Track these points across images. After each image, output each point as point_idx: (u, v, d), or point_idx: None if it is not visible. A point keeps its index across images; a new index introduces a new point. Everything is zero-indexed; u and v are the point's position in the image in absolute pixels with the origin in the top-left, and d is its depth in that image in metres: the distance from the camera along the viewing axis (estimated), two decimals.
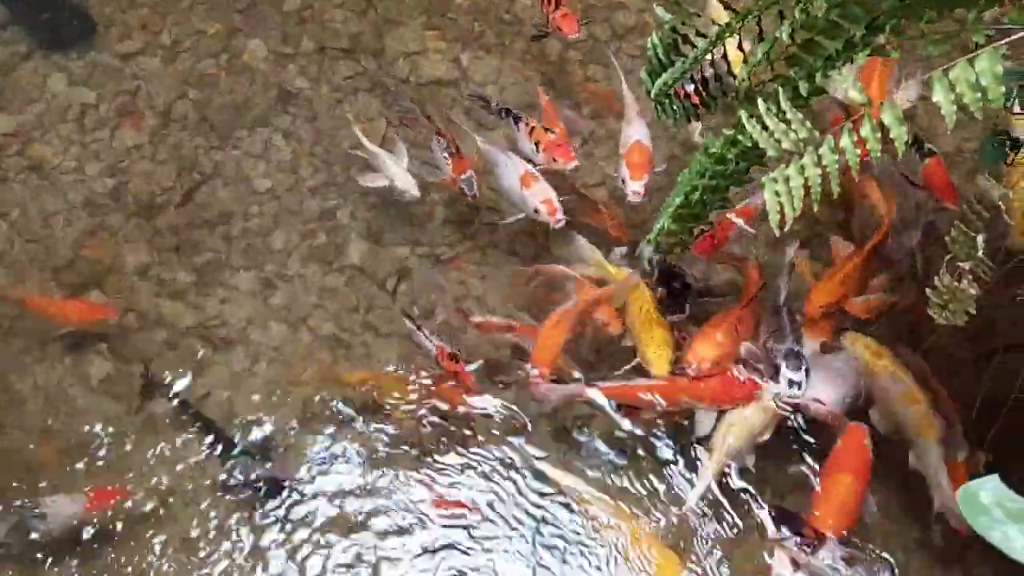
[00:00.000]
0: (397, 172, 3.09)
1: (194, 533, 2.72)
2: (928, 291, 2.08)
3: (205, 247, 3.19)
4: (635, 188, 2.89)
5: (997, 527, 1.02)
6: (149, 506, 2.75)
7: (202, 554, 2.69)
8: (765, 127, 1.90)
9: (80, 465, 2.81)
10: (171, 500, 2.76)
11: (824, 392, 2.64)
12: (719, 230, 2.80)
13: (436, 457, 2.80)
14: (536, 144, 3.00)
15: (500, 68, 3.51)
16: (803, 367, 2.64)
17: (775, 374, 2.66)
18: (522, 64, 3.49)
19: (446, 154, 3.01)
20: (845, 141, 1.78)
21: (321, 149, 3.37)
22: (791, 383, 2.63)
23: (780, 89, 1.90)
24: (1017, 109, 1.97)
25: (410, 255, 3.19)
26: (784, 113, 1.87)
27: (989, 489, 1.07)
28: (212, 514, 2.74)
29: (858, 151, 1.77)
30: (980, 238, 1.86)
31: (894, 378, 2.57)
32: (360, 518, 2.72)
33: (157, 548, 2.70)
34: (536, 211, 2.91)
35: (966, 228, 1.90)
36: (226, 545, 2.70)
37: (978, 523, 1.02)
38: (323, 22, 3.59)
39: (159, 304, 3.09)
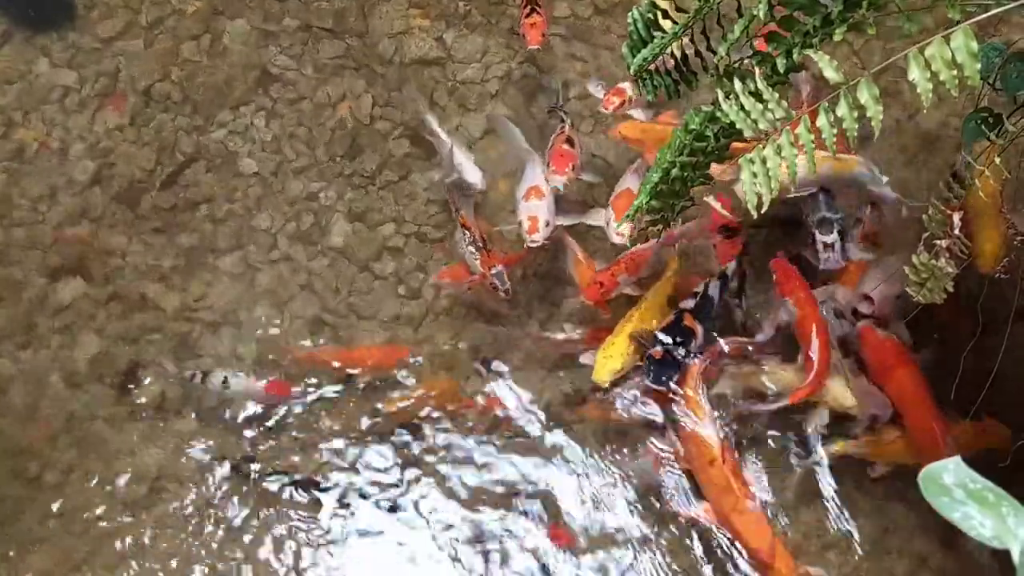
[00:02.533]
0: (466, 163, 3.07)
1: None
2: (906, 269, 2.08)
3: (189, 229, 3.18)
4: (619, 230, 2.83)
5: (958, 507, 1.02)
6: None
7: None
8: (742, 106, 1.89)
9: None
10: None
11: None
12: (608, 279, 2.81)
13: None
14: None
15: (485, 46, 3.48)
16: (835, 230, 2.69)
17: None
18: (507, 42, 3.46)
19: (472, 248, 2.88)
20: (822, 121, 1.77)
21: (305, 130, 3.35)
22: (825, 247, 2.68)
23: (756, 68, 1.89)
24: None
25: (395, 234, 3.18)
26: (760, 93, 1.86)
27: (951, 470, 1.07)
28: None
29: (835, 131, 1.76)
30: (956, 216, 1.86)
31: None
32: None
33: None
34: (520, 223, 2.87)
35: (942, 206, 1.90)
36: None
37: (939, 503, 1.03)
38: (306, 0, 3.55)
39: (143, 288, 3.08)
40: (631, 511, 2.68)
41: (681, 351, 2.72)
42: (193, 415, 2.89)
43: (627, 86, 3.00)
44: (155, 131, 3.33)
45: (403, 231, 3.18)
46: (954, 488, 1.05)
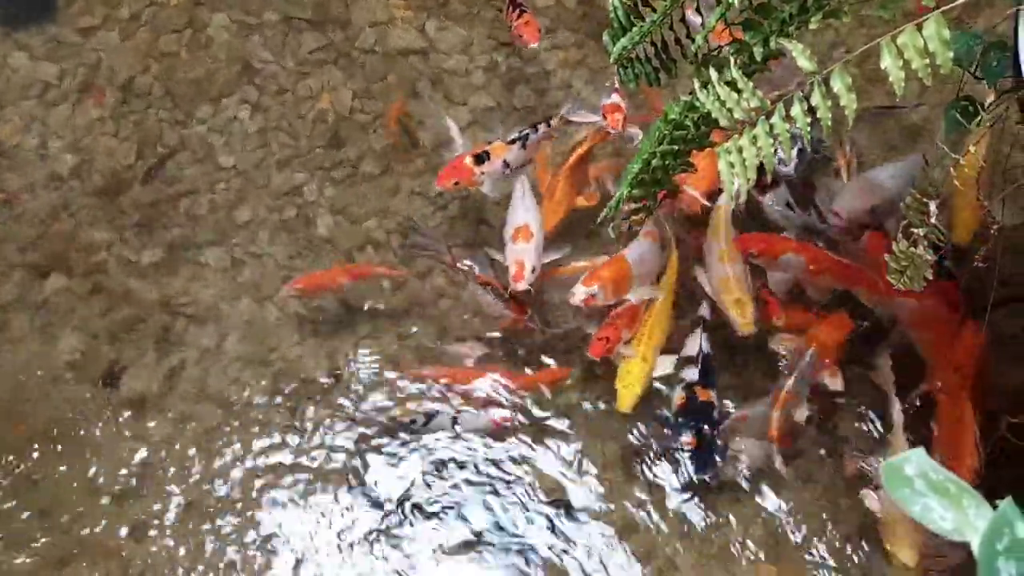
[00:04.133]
0: (490, 184, 2.96)
1: None
2: (887, 257, 2.08)
3: (171, 223, 3.17)
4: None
5: (919, 499, 1.02)
6: None
7: None
8: (718, 96, 1.89)
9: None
10: None
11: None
12: (613, 333, 2.73)
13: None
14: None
15: (468, 37, 3.47)
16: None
17: None
18: (490, 32, 3.45)
19: (498, 300, 2.82)
20: (796, 110, 1.77)
21: (287, 123, 3.33)
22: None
23: (731, 57, 1.88)
24: None
25: (377, 228, 3.17)
26: (735, 82, 1.85)
27: (913, 462, 1.07)
28: None
29: (808, 120, 1.75)
30: (933, 205, 1.85)
31: None
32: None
33: None
34: (507, 266, 2.78)
35: (919, 195, 1.89)
36: None
37: (900, 495, 1.02)
38: None
39: (126, 282, 3.07)
40: None
41: (710, 429, 2.62)
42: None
43: (617, 98, 2.93)
44: (136, 125, 3.31)
45: (385, 225, 3.17)
46: (916, 479, 1.05)
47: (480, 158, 2.83)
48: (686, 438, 2.59)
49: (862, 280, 2.68)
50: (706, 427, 2.60)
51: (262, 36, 3.45)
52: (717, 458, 2.60)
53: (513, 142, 2.88)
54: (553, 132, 2.97)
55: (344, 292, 2.96)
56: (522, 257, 2.75)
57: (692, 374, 2.71)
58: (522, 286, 2.73)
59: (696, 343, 2.76)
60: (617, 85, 3.00)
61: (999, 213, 2.04)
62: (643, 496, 2.66)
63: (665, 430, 2.69)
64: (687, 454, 2.59)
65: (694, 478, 2.59)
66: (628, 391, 2.70)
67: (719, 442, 2.62)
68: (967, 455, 2.38)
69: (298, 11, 3.50)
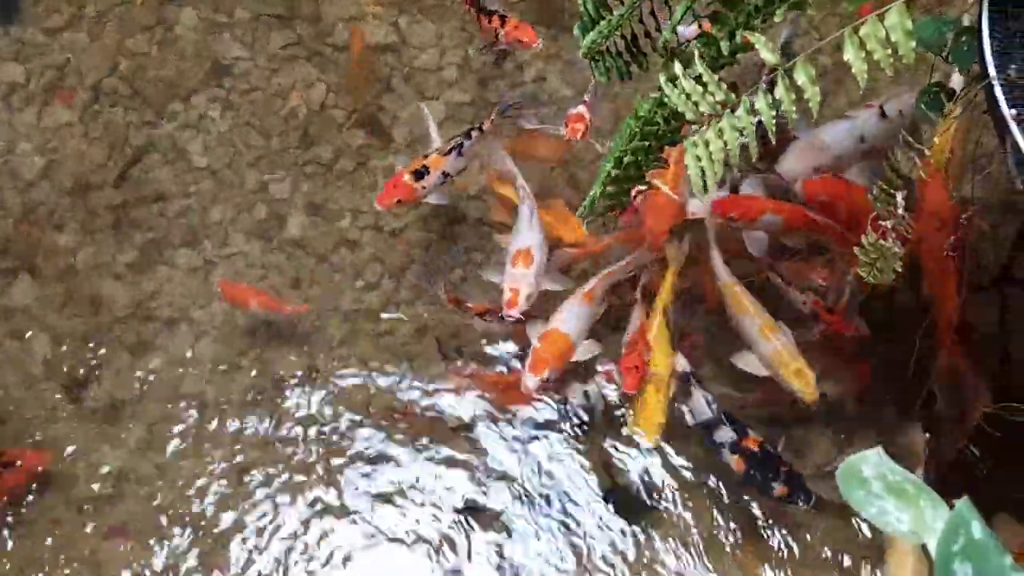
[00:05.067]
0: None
1: None
2: (856, 250, 2.07)
3: (143, 225, 3.13)
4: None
5: (874, 501, 1.00)
6: None
7: None
8: (684, 90, 1.87)
9: None
10: None
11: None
12: (641, 362, 2.65)
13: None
14: None
15: (440, 32, 3.44)
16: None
17: None
18: (462, 26, 3.42)
19: (499, 323, 2.78)
20: (761, 103, 1.75)
21: (258, 121, 3.30)
22: None
23: (696, 51, 1.87)
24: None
25: (351, 226, 3.14)
26: (701, 76, 1.84)
27: (871, 462, 1.05)
28: None
29: (773, 112, 1.74)
30: (899, 196, 1.84)
31: None
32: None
33: None
34: (502, 292, 2.71)
35: (886, 186, 1.88)
36: None
37: (855, 497, 1.01)
38: None
39: (97, 286, 3.04)
40: None
41: (780, 464, 2.56)
42: None
43: (583, 109, 2.90)
44: (105, 126, 3.27)
45: (360, 223, 3.14)
46: (873, 481, 1.03)
47: (419, 173, 2.79)
48: (778, 490, 2.52)
49: (832, 233, 2.64)
50: (780, 467, 2.54)
51: (232, 34, 3.41)
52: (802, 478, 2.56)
53: (449, 152, 2.85)
54: (486, 136, 2.94)
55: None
56: (519, 284, 2.67)
57: (726, 434, 2.58)
58: (515, 313, 2.66)
59: (702, 404, 2.64)
60: (586, 97, 3.04)
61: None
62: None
63: (744, 496, 2.63)
64: (787, 501, 2.53)
65: (803, 507, 2.54)
66: (652, 419, 2.63)
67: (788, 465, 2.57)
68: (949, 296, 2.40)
69: (268, 8, 3.46)
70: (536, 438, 2.78)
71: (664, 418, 2.64)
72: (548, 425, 2.79)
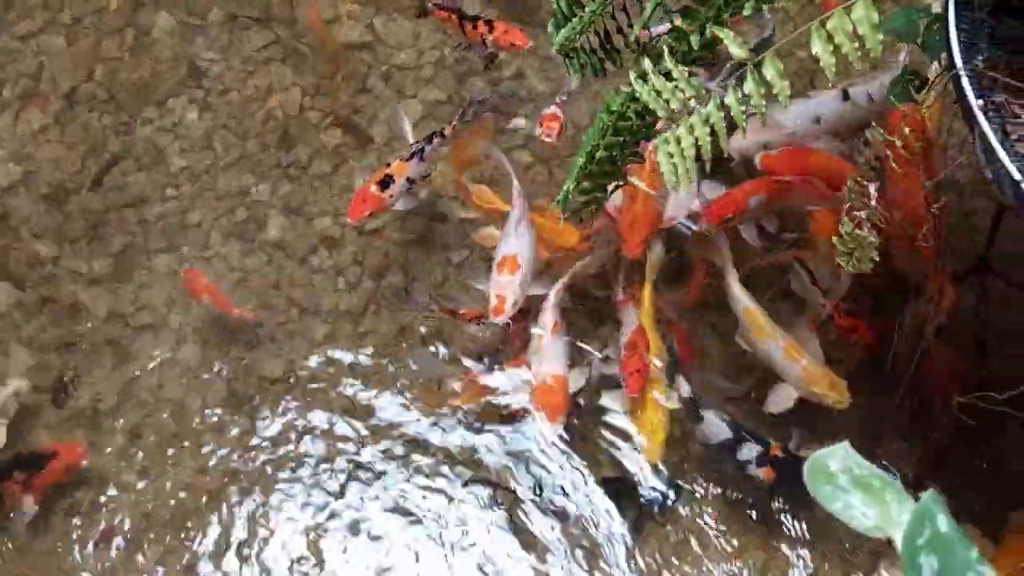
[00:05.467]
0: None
1: None
2: (834, 241, 2.08)
3: (121, 231, 3.12)
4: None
5: (840, 496, 1.01)
6: None
7: None
8: (654, 86, 1.87)
9: None
10: None
11: None
12: (642, 364, 2.61)
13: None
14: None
15: (416, 31, 3.43)
16: None
17: None
18: (438, 26, 3.40)
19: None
20: (730, 99, 1.75)
21: (235, 123, 3.29)
22: None
23: (666, 46, 1.86)
24: None
25: (332, 226, 3.13)
26: (670, 72, 1.84)
27: (839, 456, 1.05)
28: None
29: (743, 108, 1.74)
30: (872, 187, 1.85)
31: None
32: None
33: None
34: (487, 298, 2.69)
35: (859, 178, 1.88)
36: None
37: (821, 492, 1.01)
38: None
39: (76, 292, 3.02)
40: None
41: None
42: None
43: (555, 108, 2.90)
44: (81, 131, 3.25)
45: (339, 223, 3.13)
46: (839, 475, 1.04)
47: (384, 183, 2.79)
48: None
49: (810, 190, 2.64)
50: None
51: (207, 36, 3.40)
52: None
53: (411, 157, 2.85)
54: (449, 140, 2.94)
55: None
56: (504, 291, 2.64)
57: (752, 450, 2.53)
58: (501, 320, 2.64)
59: (718, 425, 2.58)
60: (559, 98, 3.04)
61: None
62: None
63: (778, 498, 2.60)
64: None
65: None
66: (655, 438, 2.61)
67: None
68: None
69: (243, 9, 3.45)
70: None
71: (665, 435, 2.60)
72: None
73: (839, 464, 1.05)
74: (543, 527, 2.64)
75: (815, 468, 1.05)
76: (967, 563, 0.96)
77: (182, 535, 2.69)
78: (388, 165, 2.85)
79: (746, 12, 1.86)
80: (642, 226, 2.70)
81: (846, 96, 2.72)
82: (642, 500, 2.63)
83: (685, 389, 2.64)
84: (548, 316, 2.74)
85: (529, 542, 2.62)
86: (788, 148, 2.68)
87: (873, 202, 1.81)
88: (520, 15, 3.34)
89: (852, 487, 1.02)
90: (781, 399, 2.57)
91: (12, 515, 2.67)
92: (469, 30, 3.07)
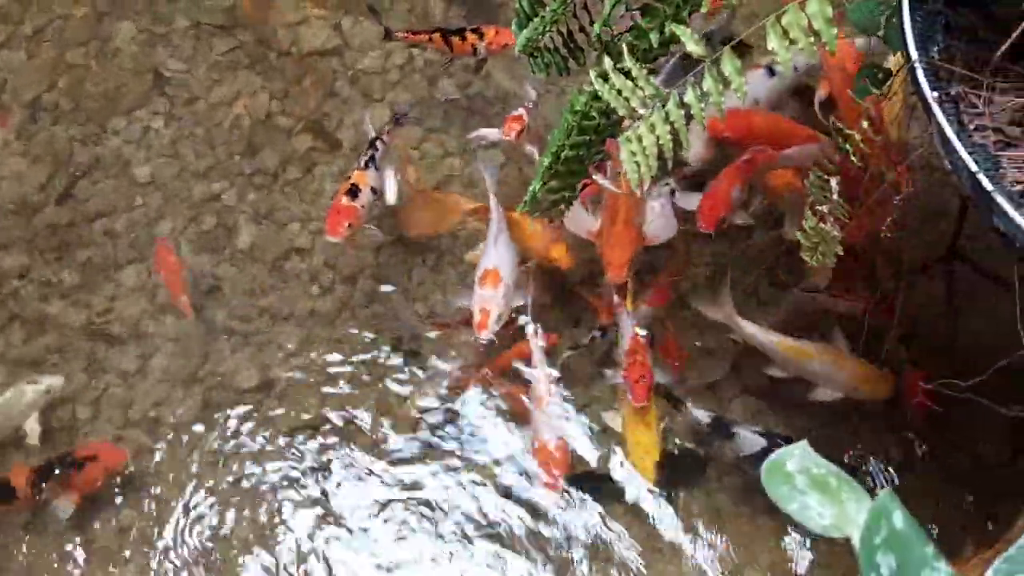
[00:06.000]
0: (390, 183, 2.95)
1: None
2: (799, 235, 2.08)
3: (89, 243, 3.09)
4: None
5: (797, 497, 1.00)
6: None
7: None
8: (614, 85, 1.87)
9: None
10: None
11: None
12: (647, 371, 2.60)
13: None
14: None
15: (383, 33, 3.41)
16: None
17: None
18: (407, 26, 3.39)
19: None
20: (690, 96, 1.75)
21: (203, 131, 3.26)
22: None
23: (625, 45, 1.86)
24: None
25: (301, 232, 3.12)
26: (630, 71, 1.83)
27: (797, 456, 1.05)
28: None
29: (703, 105, 1.74)
30: (834, 181, 1.85)
31: None
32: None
33: None
34: (471, 313, 2.68)
35: (820, 172, 1.89)
36: None
37: (778, 494, 1.00)
38: None
39: (44, 307, 2.99)
40: None
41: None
42: None
43: (522, 111, 2.91)
44: (46, 144, 3.22)
45: (310, 229, 3.12)
46: (797, 475, 1.03)
47: (353, 192, 2.79)
48: None
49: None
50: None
51: (171, 44, 3.37)
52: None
53: (366, 166, 2.86)
54: (389, 144, 2.96)
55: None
56: (488, 304, 2.62)
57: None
58: (486, 335, 2.62)
59: (751, 438, 2.57)
60: (527, 103, 3.04)
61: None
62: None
63: None
64: None
65: None
66: (647, 460, 2.59)
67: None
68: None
69: (208, 16, 3.43)
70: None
71: (659, 455, 2.58)
72: None
73: (797, 464, 1.05)
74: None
75: (772, 468, 1.04)
76: (923, 559, 0.96)
77: (159, 546, 2.67)
78: (348, 178, 2.86)
79: (703, 8, 1.86)
80: (624, 249, 2.65)
81: (772, 72, 2.78)
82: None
83: (703, 414, 2.61)
84: (542, 387, 2.66)
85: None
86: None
87: (835, 196, 1.81)
88: (486, 17, 3.33)
89: (810, 488, 1.02)
90: (824, 395, 2.60)
91: (50, 512, 2.66)
92: (457, 44, 3.06)
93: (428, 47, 3.16)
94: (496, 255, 2.72)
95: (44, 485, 2.64)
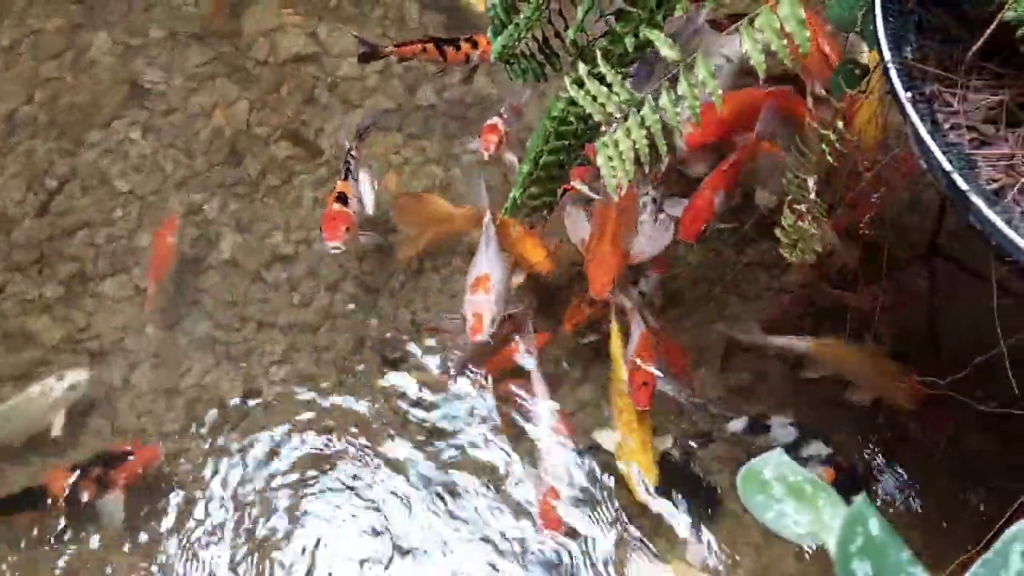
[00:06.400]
0: (368, 192, 2.98)
1: None
2: (777, 231, 2.08)
3: (69, 257, 3.07)
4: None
5: (773, 505, 1.00)
6: None
7: None
8: (588, 90, 1.86)
9: None
10: None
11: None
12: (650, 377, 2.60)
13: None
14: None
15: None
16: None
17: None
18: (384, 32, 3.39)
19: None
20: (664, 100, 1.75)
21: (182, 142, 3.25)
22: None
23: (599, 50, 1.86)
24: None
25: (284, 242, 3.11)
26: (604, 76, 1.83)
27: (773, 464, 1.05)
28: None
29: (677, 109, 1.74)
30: (811, 180, 1.85)
31: None
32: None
33: None
34: (465, 319, 2.69)
35: (796, 171, 1.89)
36: None
37: (754, 503, 1.00)
38: (171, 7, 3.44)
39: (25, 322, 2.97)
40: None
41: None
42: None
43: (498, 120, 2.91)
44: (23, 158, 3.20)
45: (292, 238, 3.11)
46: (774, 483, 1.03)
47: (342, 199, 2.81)
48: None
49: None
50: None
51: (147, 55, 3.36)
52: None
53: (345, 177, 2.89)
54: (359, 157, 2.98)
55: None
56: (480, 309, 2.65)
57: (818, 447, 2.55)
58: (481, 338, 2.64)
59: (785, 429, 2.58)
60: (503, 112, 3.04)
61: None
62: None
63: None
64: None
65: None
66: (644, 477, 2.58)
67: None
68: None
69: (183, 26, 3.41)
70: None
71: (654, 478, 2.57)
72: None
73: (773, 472, 1.05)
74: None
75: (748, 477, 1.04)
76: (899, 566, 0.96)
77: (143, 564, 2.66)
78: (333, 189, 2.88)
79: (678, 12, 1.86)
80: (609, 267, 2.65)
81: (727, 59, 2.78)
82: None
83: (737, 424, 2.60)
84: (555, 421, 2.66)
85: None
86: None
87: (812, 195, 1.81)
88: (460, 24, 3.33)
89: (786, 495, 1.02)
90: (859, 398, 2.60)
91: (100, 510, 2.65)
92: (451, 54, 3.06)
93: (420, 59, 3.15)
94: (487, 262, 2.75)
95: (82, 485, 2.62)
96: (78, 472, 2.63)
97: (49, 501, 2.62)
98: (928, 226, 2.68)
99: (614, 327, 2.71)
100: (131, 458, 2.67)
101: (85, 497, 2.62)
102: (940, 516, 2.43)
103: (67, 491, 2.62)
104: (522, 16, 2.15)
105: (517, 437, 2.70)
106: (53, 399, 2.77)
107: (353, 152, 2.95)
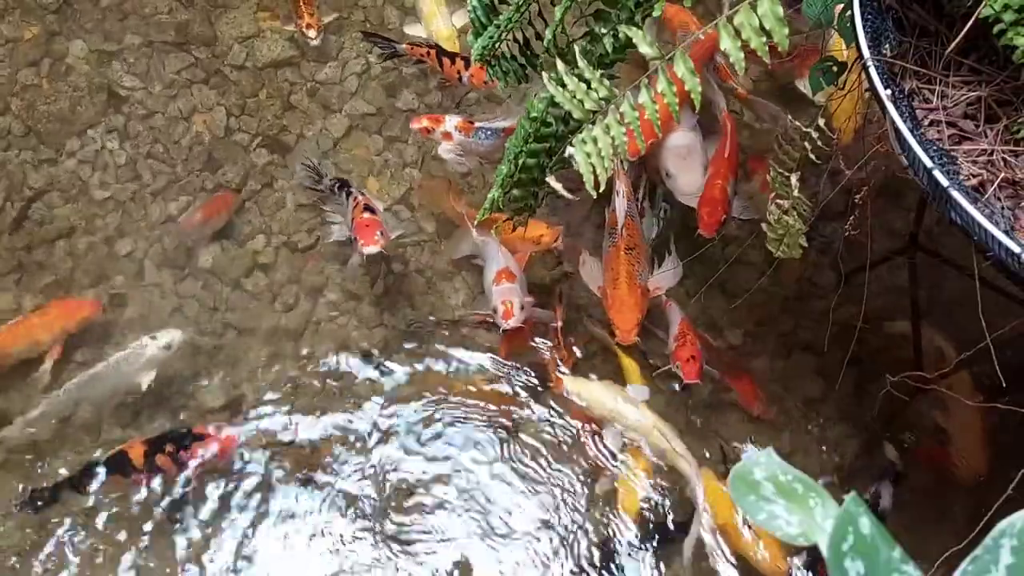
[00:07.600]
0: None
1: None
2: (763, 227, 2.09)
3: (48, 266, 3.04)
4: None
5: (764, 506, 1.00)
6: None
7: None
8: (567, 89, 1.86)
9: None
10: None
11: None
12: (697, 352, 2.62)
13: None
14: (352, 220, 2.87)
15: (340, 43, 3.40)
16: None
17: None
18: (362, 35, 3.37)
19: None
20: (643, 97, 1.75)
21: (160, 149, 3.22)
22: None
23: (577, 49, 1.86)
24: None
25: (265, 247, 3.09)
26: (583, 73, 1.83)
27: (763, 464, 1.05)
28: None
29: (657, 106, 1.74)
30: (794, 178, 1.85)
31: None
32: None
33: None
34: (495, 309, 2.74)
35: (780, 168, 1.89)
36: None
37: (746, 503, 1.00)
38: (146, 15, 3.41)
39: None
40: None
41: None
42: None
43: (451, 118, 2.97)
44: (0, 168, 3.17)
45: (272, 244, 3.09)
46: (764, 483, 1.03)
47: (369, 209, 2.87)
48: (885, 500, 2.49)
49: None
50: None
51: (124, 62, 3.33)
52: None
53: (349, 195, 2.95)
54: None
55: None
56: (509, 296, 2.72)
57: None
58: (513, 323, 2.69)
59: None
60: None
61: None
62: None
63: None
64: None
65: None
66: (632, 500, 2.61)
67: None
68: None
69: (160, 33, 3.38)
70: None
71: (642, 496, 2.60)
72: None
73: (764, 472, 1.05)
74: None
75: (739, 477, 1.04)
76: (891, 564, 0.96)
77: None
78: (356, 203, 2.91)
79: (656, 13, 1.86)
80: (631, 311, 2.67)
81: None
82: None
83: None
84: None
85: None
86: None
87: (795, 192, 1.82)
88: None
89: (777, 496, 1.02)
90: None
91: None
92: (447, 65, 3.09)
93: (428, 62, 3.19)
94: (502, 258, 2.81)
95: (159, 459, 2.67)
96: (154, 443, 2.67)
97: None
98: (909, 220, 2.69)
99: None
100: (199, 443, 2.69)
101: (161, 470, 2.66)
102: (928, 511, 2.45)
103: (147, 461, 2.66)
104: (502, 17, 2.15)
105: None
106: (147, 358, 2.78)
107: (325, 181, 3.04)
